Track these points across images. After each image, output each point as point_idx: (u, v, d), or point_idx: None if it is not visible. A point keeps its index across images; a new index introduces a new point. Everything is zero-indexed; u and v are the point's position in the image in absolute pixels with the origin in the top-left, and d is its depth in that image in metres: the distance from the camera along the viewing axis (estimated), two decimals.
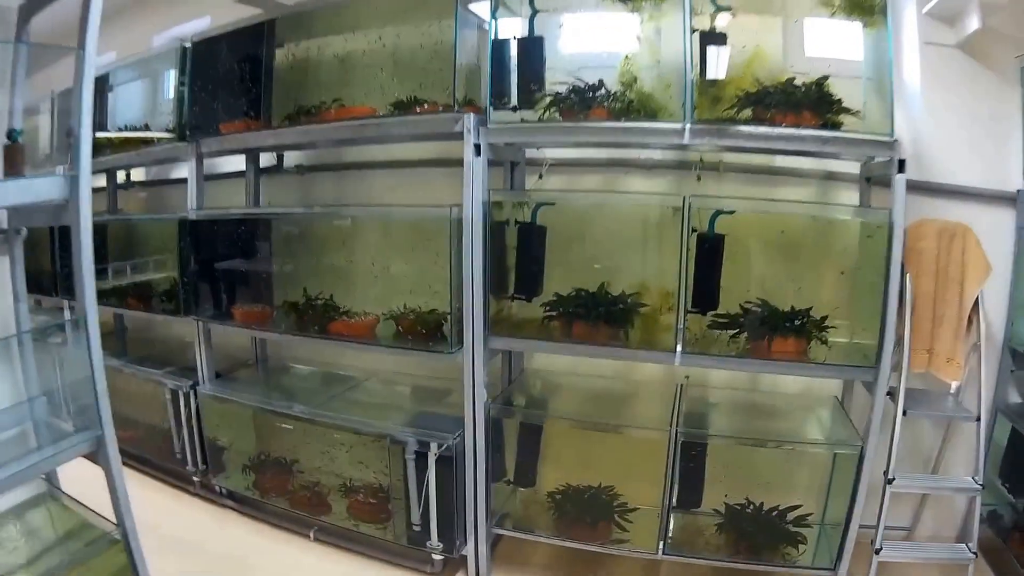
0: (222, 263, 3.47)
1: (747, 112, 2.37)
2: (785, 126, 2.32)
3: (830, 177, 2.95)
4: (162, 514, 3.39)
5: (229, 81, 3.26)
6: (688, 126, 2.33)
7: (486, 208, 2.55)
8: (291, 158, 3.87)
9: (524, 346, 2.95)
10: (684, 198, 2.41)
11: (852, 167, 2.85)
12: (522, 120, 2.56)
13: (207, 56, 3.35)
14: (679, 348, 2.46)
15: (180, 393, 3.56)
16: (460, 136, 2.52)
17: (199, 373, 3.56)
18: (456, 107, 2.53)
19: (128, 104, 4.04)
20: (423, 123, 2.64)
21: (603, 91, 2.51)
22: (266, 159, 3.86)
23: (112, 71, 4.05)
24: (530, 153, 3.08)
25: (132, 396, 3.82)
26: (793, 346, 2.50)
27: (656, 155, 3.04)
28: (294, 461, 3.31)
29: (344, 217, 3.18)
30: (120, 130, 3.97)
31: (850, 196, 2.88)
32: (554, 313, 2.70)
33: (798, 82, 2.36)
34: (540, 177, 3.03)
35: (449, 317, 2.73)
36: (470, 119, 2.48)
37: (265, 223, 3.44)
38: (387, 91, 2.88)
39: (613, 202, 2.94)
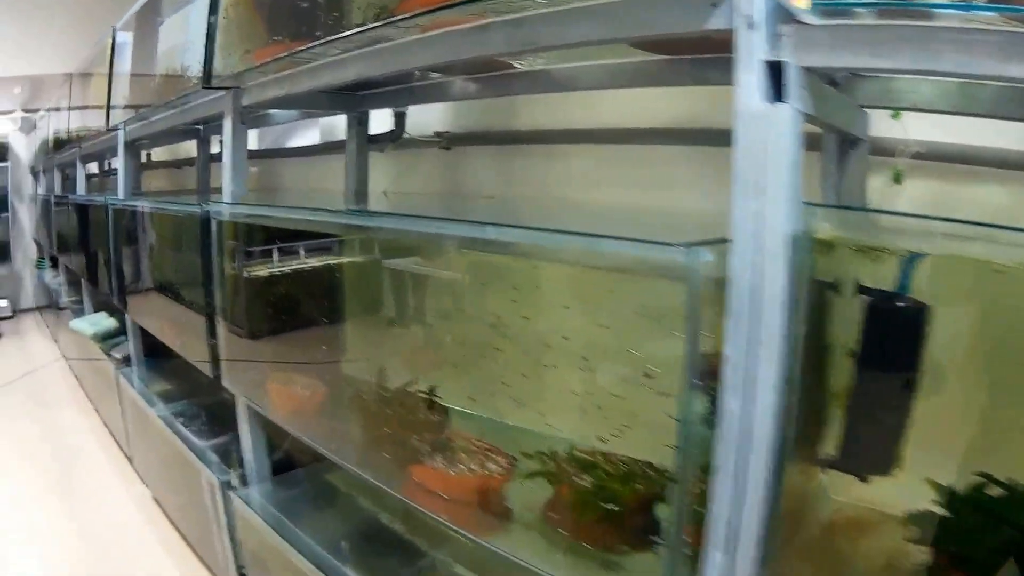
0: (266, 298, 2.15)
1: None
2: None
3: None
4: None
5: None
6: None
7: (797, 247, 0.94)
8: (429, 121, 2.48)
9: None
10: None
11: None
12: None
13: None
14: None
15: (215, 487, 2.34)
16: (723, 55, 0.95)
17: (246, 466, 2.31)
18: None
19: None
20: (620, 10, 1.06)
21: None
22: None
23: None
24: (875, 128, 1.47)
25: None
26: None
27: None
28: None
29: (437, 243, 1.57)
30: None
31: None
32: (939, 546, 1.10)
33: None
34: (896, 179, 1.43)
35: (673, 505, 1.10)
36: None
37: (340, 236, 2.06)
38: None
39: None
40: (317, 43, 1.59)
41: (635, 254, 1.00)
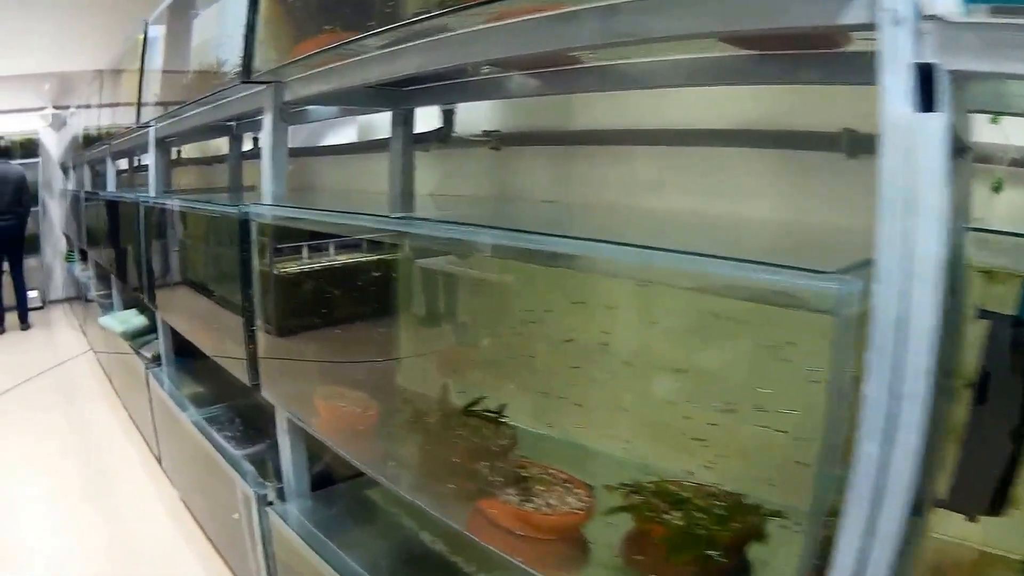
0: (310, 304, 2.04)
1: None
2: None
3: None
4: None
5: None
6: None
7: (949, 273, 0.80)
8: (476, 119, 2.34)
9: None
10: None
11: None
12: None
13: None
14: None
15: (250, 500, 2.23)
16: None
17: (284, 480, 2.19)
18: None
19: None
20: None
21: None
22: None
23: None
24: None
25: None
26: None
27: None
28: None
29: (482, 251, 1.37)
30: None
31: None
32: None
33: None
34: (996, 189, 1.33)
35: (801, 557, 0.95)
36: None
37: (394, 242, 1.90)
38: None
39: None
40: (369, 34, 1.46)
41: (769, 280, 0.86)
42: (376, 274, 1.81)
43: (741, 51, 1.39)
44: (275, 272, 2.02)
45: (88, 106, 5.70)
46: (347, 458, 1.71)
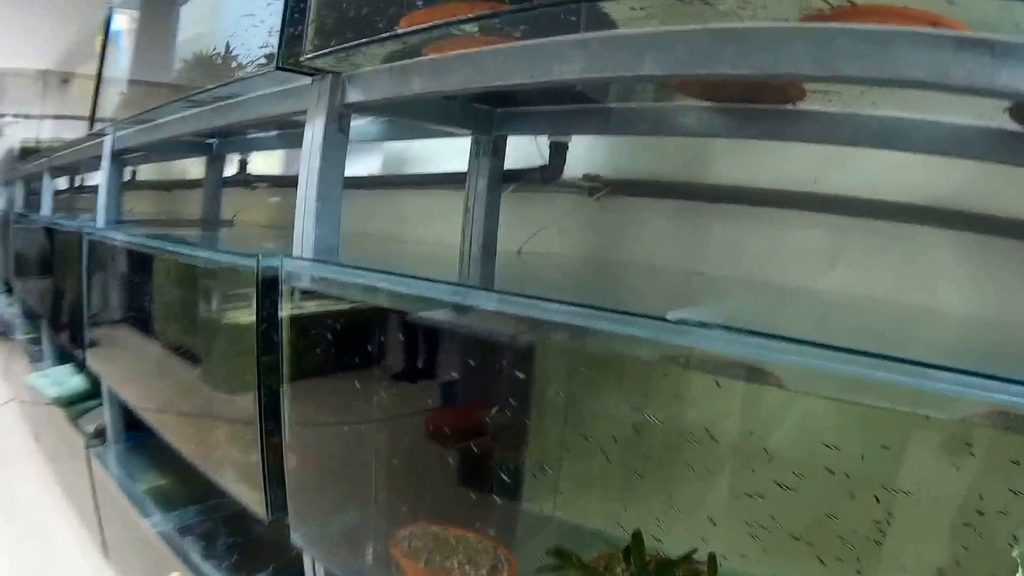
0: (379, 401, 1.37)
1: None
2: None
3: None
4: None
5: None
6: None
7: None
8: (573, 159, 1.76)
9: None
10: None
11: None
12: None
13: None
14: None
15: None
16: None
17: None
18: None
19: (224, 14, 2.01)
20: None
21: None
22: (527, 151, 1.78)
23: None
24: None
25: None
26: None
27: None
28: None
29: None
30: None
31: None
32: None
33: None
34: None
35: None
36: None
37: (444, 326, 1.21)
38: None
39: None
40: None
41: None
42: (499, 355, 1.17)
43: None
44: (317, 356, 1.36)
45: (27, 116, 4.86)
46: None
